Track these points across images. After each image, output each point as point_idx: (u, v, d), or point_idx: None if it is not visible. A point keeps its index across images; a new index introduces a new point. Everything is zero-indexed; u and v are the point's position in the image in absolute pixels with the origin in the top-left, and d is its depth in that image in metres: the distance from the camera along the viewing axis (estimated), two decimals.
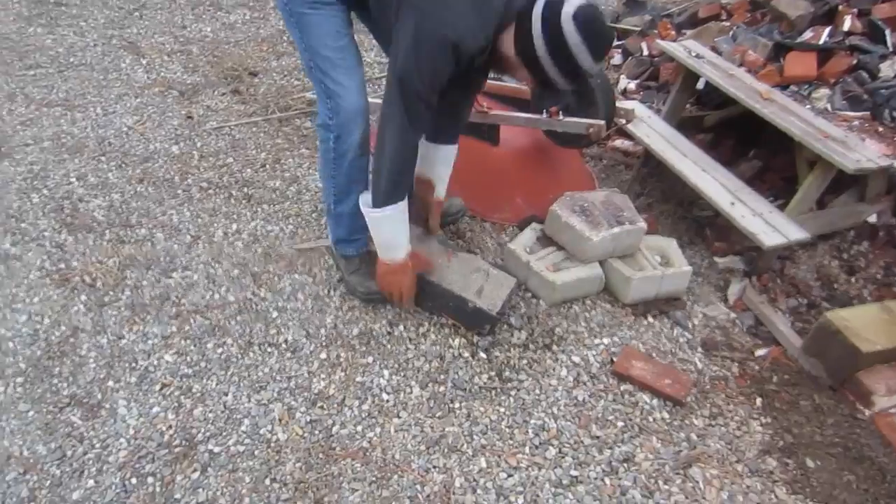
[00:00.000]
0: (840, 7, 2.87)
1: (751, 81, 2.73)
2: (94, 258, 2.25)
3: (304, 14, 1.80)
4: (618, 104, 2.70)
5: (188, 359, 1.93)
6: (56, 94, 3.17)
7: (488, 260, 2.29)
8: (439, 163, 2.19)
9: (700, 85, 3.16)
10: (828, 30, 2.81)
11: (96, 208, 2.47)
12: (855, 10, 2.81)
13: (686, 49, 2.92)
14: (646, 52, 3.73)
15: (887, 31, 2.67)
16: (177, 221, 2.45)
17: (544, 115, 2.55)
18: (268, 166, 2.80)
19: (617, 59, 3.87)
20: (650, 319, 2.26)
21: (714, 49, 3.05)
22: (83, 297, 2.09)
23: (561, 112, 2.52)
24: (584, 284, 2.28)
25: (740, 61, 2.91)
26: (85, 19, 3.93)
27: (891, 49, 2.65)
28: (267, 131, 3.04)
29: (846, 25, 2.77)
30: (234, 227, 2.45)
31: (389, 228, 1.93)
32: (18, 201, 2.47)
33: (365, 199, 1.93)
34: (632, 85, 3.57)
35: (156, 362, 1.90)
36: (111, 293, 2.12)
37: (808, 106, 2.65)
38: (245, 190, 2.64)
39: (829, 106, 2.65)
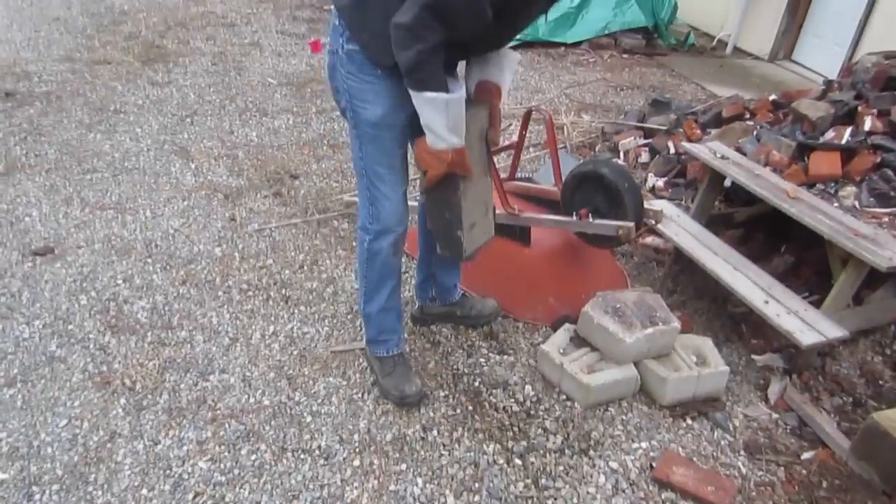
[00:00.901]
0: (860, 108, 2.93)
1: (777, 181, 2.77)
2: (135, 360, 2.31)
3: (366, 132, 1.90)
4: (646, 205, 2.75)
5: (222, 465, 1.93)
6: (109, 197, 3.36)
7: (522, 361, 2.31)
8: (506, 68, 2.04)
9: (727, 183, 3.21)
10: (849, 130, 2.87)
11: (140, 310, 2.56)
12: (875, 111, 2.87)
13: (711, 150, 2.99)
14: (672, 151, 3.82)
15: None
16: (216, 323, 2.52)
17: (574, 217, 2.61)
18: (305, 267, 2.89)
19: (644, 157, 3.97)
20: (689, 421, 2.21)
21: (738, 150, 3.12)
22: (122, 401, 2.14)
23: (590, 214, 2.58)
24: (619, 386, 2.25)
25: (765, 161, 2.96)
26: (140, 125, 4.20)
27: None
28: (306, 233, 3.16)
29: (867, 125, 2.83)
30: (272, 329, 2.51)
31: (429, 113, 1.75)
32: (67, 303, 2.58)
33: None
34: (660, 182, 3.64)
35: (190, 469, 1.92)
36: (150, 396, 2.17)
37: (835, 204, 2.67)
38: (283, 291, 2.72)
39: (856, 203, 2.67)
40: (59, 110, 4.29)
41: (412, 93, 1.72)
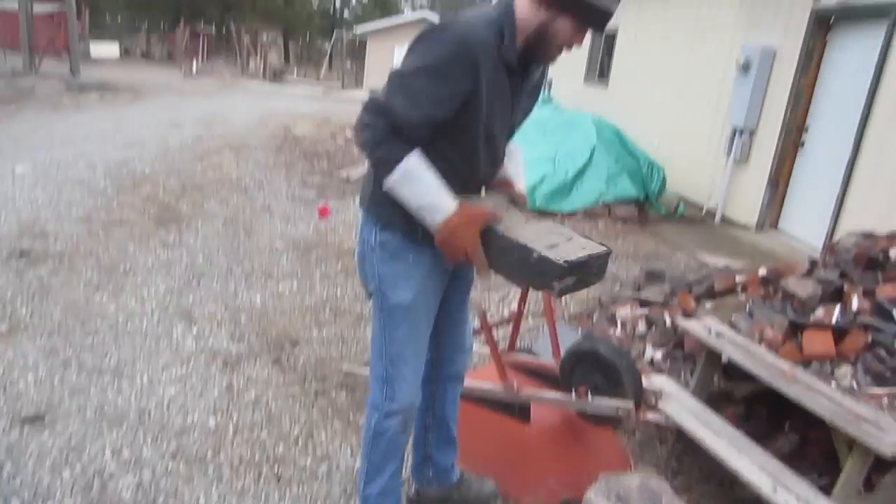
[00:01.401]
0: (846, 287, 3.03)
1: (773, 360, 2.80)
2: None
3: (395, 316, 1.94)
4: (645, 382, 2.75)
5: None
6: (108, 361, 3.36)
7: None
8: (510, 161, 2.05)
9: (725, 358, 3.23)
10: (838, 308, 2.94)
11: (125, 488, 2.47)
12: (860, 290, 2.96)
13: (706, 328, 3.04)
14: (669, 323, 3.88)
15: (894, 311, 2.79)
16: None
17: (573, 396, 2.61)
18: (300, 442, 2.83)
19: (641, 327, 4.02)
20: None
21: (733, 325, 3.18)
22: None
23: (589, 392, 2.58)
24: None
25: (759, 338, 3.01)
26: (147, 287, 4.30)
27: None
28: (303, 403, 3.13)
29: (855, 305, 2.90)
30: None
31: (408, 192, 1.74)
32: (49, 478, 2.49)
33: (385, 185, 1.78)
34: (658, 355, 3.66)
35: None
36: None
37: (833, 384, 2.67)
38: (276, 469, 2.64)
39: (854, 383, 2.67)
40: (70, 270, 4.42)
41: (387, 186, 1.74)
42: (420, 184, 1.74)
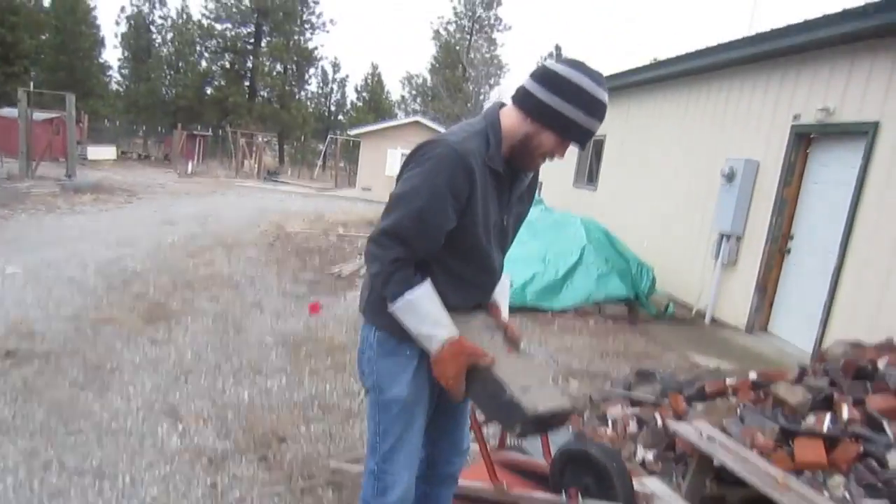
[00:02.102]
0: (835, 395, 3.07)
1: (765, 466, 2.79)
2: None
3: (392, 412, 1.97)
4: (637, 485, 2.73)
5: None
6: (90, 461, 3.28)
7: None
8: (498, 293, 2.16)
9: (717, 462, 3.21)
10: (829, 416, 2.97)
11: None
12: (850, 399, 3.01)
13: (698, 431, 3.05)
14: (660, 424, 3.87)
15: (885, 423, 2.82)
16: None
17: (563, 497, 2.58)
18: None
19: (632, 427, 4.00)
20: None
21: (724, 429, 3.19)
22: None
23: (580, 494, 2.55)
24: None
25: (751, 444, 3.02)
26: (134, 385, 4.25)
27: (893, 439, 2.76)
28: (288, 502, 3.05)
29: (845, 414, 2.94)
30: None
31: (409, 320, 1.85)
32: None
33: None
34: (649, 456, 3.63)
35: None
36: None
37: (826, 494, 2.66)
38: None
39: (847, 494, 2.66)
40: (56, 370, 4.37)
41: (392, 309, 1.85)
42: (418, 315, 1.85)
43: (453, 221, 1.84)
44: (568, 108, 1.77)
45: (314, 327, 5.85)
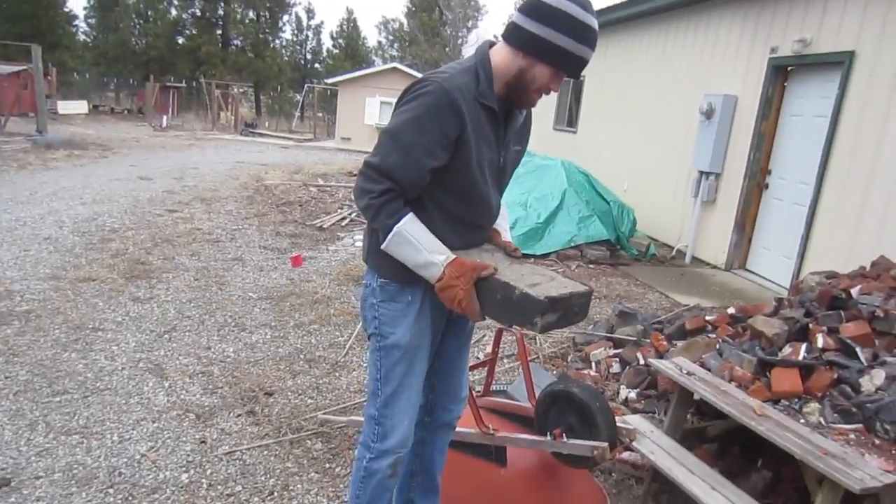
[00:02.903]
0: (811, 325, 3.12)
1: (743, 397, 2.85)
2: None
3: (394, 355, 1.98)
4: (619, 422, 2.78)
5: None
6: (77, 421, 3.29)
7: None
8: (499, 216, 2.18)
9: (697, 397, 3.28)
10: (804, 346, 3.03)
11: None
12: (825, 329, 3.06)
13: (678, 367, 3.10)
14: (642, 362, 3.94)
15: (858, 349, 2.88)
16: None
17: (549, 438, 2.62)
18: (276, 493, 2.79)
19: (615, 367, 4.07)
20: None
21: (703, 365, 3.24)
22: None
23: (564, 434, 2.60)
24: None
25: (729, 377, 3.07)
26: (118, 343, 4.24)
27: (865, 364, 2.82)
28: (278, 454, 3.09)
29: (820, 342, 2.99)
30: None
31: (404, 253, 1.86)
32: None
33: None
34: (632, 394, 3.70)
35: None
36: None
37: (801, 420, 2.73)
38: None
39: (822, 419, 2.73)
40: (37, 329, 4.34)
41: (386, 246, 1.85)
42: (411, 245, 1.84)
43: (441, 159, 1.81)
44: (559, 37, 1.75)
45: (297, 280, 5.83)
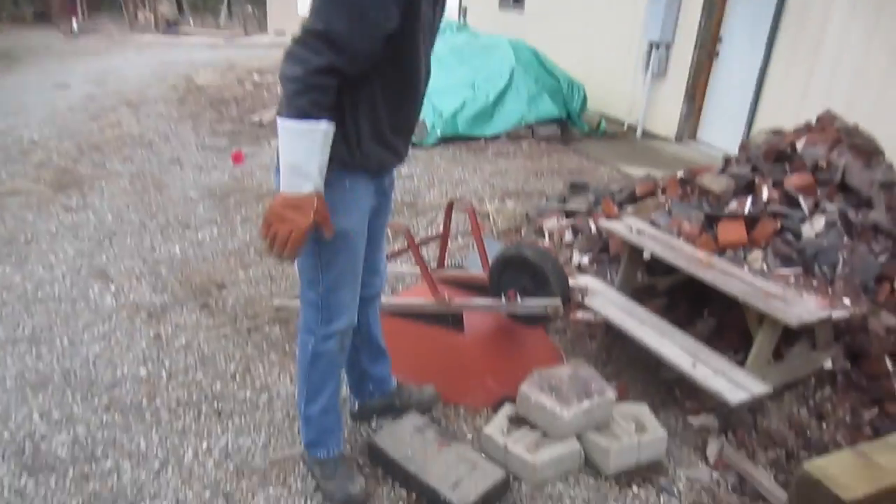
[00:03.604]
0: (756, 180, 3.19)
1: (691, 251, 2.94)
2: (56, 501, 2.14)
3: (334, 243, 1.84)
4: (572, 281, 2.84)
5: None
6: (22, 331, 3.18)
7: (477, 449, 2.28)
8: None
9: (647, 255, 3.37)
10: (750, 199, 3.10)
11: (59, 445, 2.40)
12: (770, 182, 3.13)
13: (628, 226, 3.15)
14: (594, 229, 4.00)
15: (801, 198, 2.96)
16: (144, 448, 2.38)
17: (503, 300, 2.67)
18: (238, 377, 2.80)
19: (568, 236, 4.13)
20: (635, 489, 2.21)
21: (653, 223, 3.31)
22: None
23: (518, 295, 2.65)
24: (563, 461, 2.24)
25: (678, 233, 3.15)
26: (55, 253, 4.06)
27: (807, 213, 2.92)
28: (236, 342, 3.08)
29: (765, 195, 3.07)
30: (205, 445, 2.39)
31: (303, 149, 1.62)
32: None
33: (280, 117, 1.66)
34: (585, 260, 3.78)
35: None
36: None
37: (746, 268, 2.84)
38: (215, 405, 2.62)
39: (764, 266, 2.85)
40: None
41: (286, 123, 1.61)
42: (313, 150, 1.63)
43: (396, 20, 1.61)
44: None
45: (240, 177, 5.63)
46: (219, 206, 4.92)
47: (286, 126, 1.63)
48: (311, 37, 1.55)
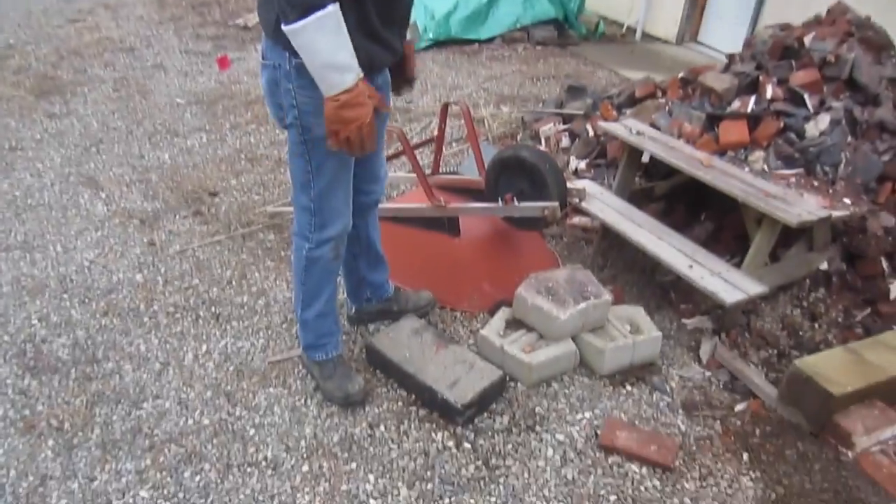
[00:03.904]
0: (761, 77, 3.08)
1: (691, 151, 2.88)
2: (60, 399, 2.18)
3: (320, 147, 1.76)
4: (569, 184, 2.80)
5: (165, 491, 1.85)
6: (14, 237, 3.15)
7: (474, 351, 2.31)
8: None
9: (645, 158, 3.31)
10: (753, 98, 3.01)
11: (60, 348, 2.42)
12: (775, 79, 3.02)
13: (627, 128, 3.08)
14: (591, 133, 3.91)
15: (806, 96, 2.87)
16: (144, 350, 2.41)
17: (500, 203, 2.63)
18: (234, 283, 2.81)
19: (565, 141, 4.05)
20: (628, 388, 2.26)
21: (653, 125, 3.22)
22: (50, 443, 2.02)
23: (515, 198, 2.61)
24: (559, 362, 2.28)
25: (678, 134, 3.08)
26: (41, 160, 3.97)
27: (812, 111, 2.84)
28: (231, 248, 3.06)
29: (769, 93, 2.97)
30: (204, 348, 2.42)
31: (324, 42, 1.54)
32: None
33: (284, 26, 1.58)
34: (582, 165, 3.72)
35: (131, 500, 1.82)
36: (80, 434, 2.05)
37: (746, 169, 2.79)
38: (213, 309, 2.63)
39: (765, 167, 2.80)
40: None
41: (295, 27, 1.51)
42: (338, 38, 1.54)
43: None
44: None
45: (227, 83, 5.44)
46: (206, 112, 4.78)
47: (296, 29, 1.52)
48: None
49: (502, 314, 2.45)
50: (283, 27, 1.54)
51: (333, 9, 1.51)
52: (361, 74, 1.60)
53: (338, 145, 1.65)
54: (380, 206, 2.37)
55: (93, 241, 3.13)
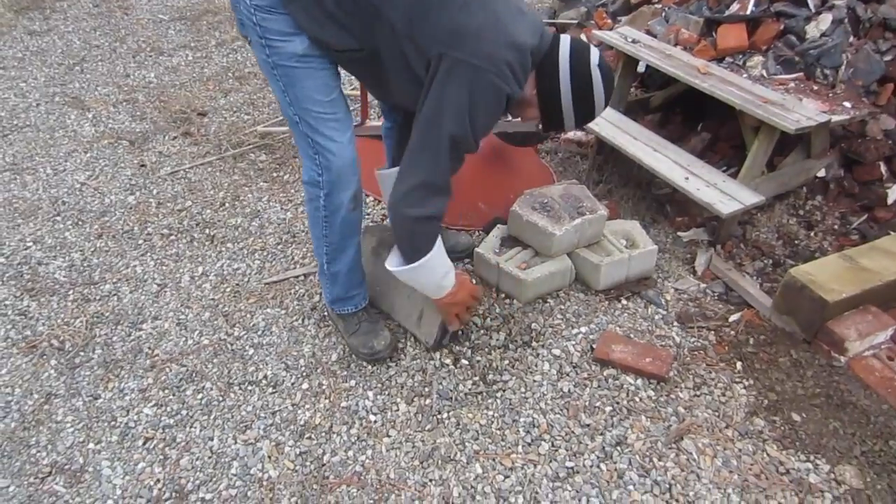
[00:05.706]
0: None
1: (688, 59, 2.79)
2: (60, 320, 2.21)
3: (289, 68, 1.64)
4: None
5: (168, 409, 1.90)
6: (2, 159, 3.11)
7: (458, 268, 2.31)
8: None
9: (641, 68, 3.22)
10: (752, 0, 2.89)
11: (56, 270, 2.43)
12: None
13: (622, 36, 2.97)
14: (584, 40, 3.79)
15: None
16: (141, 272, 2.42)
17: None
18: (227, 204, 2.79)
19: None
20: (624, 302, 2.28)
21: (649, 32, 3.11)
22: (53, 362, 2.06)
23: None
24: (554, 278, 2.30)
25: (675, 41, 2.97)
26: (24, 80, 3.87)
27: (814, 11, 2.73)
28: (223, 169, 3.03)
29: None
30: (200, 269, 2.43)
31: (425, 275, 1.83)
32: None
33: (391, 261, 1.81)
34: None
35: (135, 417, 1.88)
36: (82, 353, 2.09)
37: (744, 75, 2.72)
38: (207, 231, 2.63)
39: (764, 72, 2.72)
40: None
41: (402, 274, 1.79)
42: (438, 270, 1.83)
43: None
44: (571, 115, 1.75)
45: None
46: (191, 28, 4.61)
47: (404, 275, 1.81)
48: (432, 190, 1.67)
49: (498, 231, 2.44)
50: (389, 268, 1.81)
51: (427, 258, 1.75)
52: (455, 270, 1.90)
53: (456, 327, 2.03)
54: (371, 123, 2.31)
55: (82, 162, 3.09)
